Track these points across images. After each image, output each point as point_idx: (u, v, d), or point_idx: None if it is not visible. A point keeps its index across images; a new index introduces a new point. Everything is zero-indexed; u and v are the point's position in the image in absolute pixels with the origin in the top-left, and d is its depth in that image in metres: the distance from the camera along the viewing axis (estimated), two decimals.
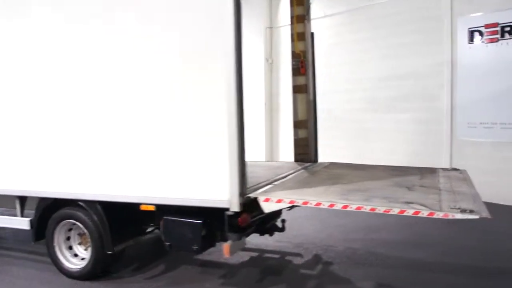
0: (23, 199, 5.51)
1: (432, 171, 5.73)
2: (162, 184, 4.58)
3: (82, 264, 5.18)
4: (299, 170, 5.92)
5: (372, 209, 3.78)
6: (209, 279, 5.20)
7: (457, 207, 3.65)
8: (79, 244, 5.34)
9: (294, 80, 6.76)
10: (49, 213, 5.28)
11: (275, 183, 4.89)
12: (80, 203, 5.02)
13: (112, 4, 4.75)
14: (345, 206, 3.87)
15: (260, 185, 4.66)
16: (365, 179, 5.14)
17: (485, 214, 3.50)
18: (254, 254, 6.08)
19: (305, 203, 4.02)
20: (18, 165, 5.36)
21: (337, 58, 11.43)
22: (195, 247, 4.49)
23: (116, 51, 4.72)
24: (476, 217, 3.44)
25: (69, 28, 4.93)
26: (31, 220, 5.37)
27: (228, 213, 4.27)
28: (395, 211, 3.71)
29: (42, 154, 5.16)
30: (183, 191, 4.48)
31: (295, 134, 6.84)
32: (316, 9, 11.16)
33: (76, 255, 5.34)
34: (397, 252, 6.06)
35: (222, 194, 4.26)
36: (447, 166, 7.44)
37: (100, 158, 4.86)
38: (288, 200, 4.09)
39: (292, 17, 6.63)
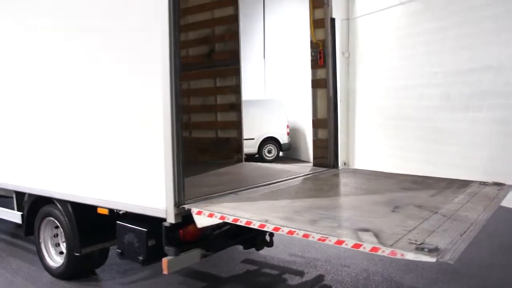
0: (21, 194, 5.59)
1: (462, 184, 4.59)
2: (111, 187, 4.28)
3: (61, 262, 5.08)
4: (300, 176, 5.16)
5: (305, 235, 2.99)
6: None
7: (419, 242, 2.70)
8: (63, 242, 5.26)
9: (313, 74, 5.95)
10: (35, 209, 5.27)
11: (239, 192, 4.24)
12: (55, 201, 4.91)
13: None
14: (276, 229, 3.14)
15: (214, 195, 4.06)
16: (356, 193, 4.26)
17: (449, 257, 2.53)
18: (252, 267, 5.47)
19: (235, 220, 3.36)
20: (3, 161, 5.49)
21: (409, 50, 10.11)
22: (140, 258, 4.05)
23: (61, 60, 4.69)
24: (433, 260, 2.49)
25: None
26: (22, 215, 5.42)
27: (165, 224, 3.77)
28: (331, 240, 2.88)
29: (21, 152, 5.24)
30: (128, 197, 4.12)
31: (314, 134, 6.03)
32: None
33: (62, 253, 5.26)
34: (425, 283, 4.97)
35: (159, 203, 3.78)
36: None
37: (64, 159, 4.73)
38: (219, 216, 3.46)
39: (309, 2, 5.81)
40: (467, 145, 8.72)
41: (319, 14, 5.77)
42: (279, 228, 3.10)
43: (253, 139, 15.22)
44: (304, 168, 5.81)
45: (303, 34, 14.02)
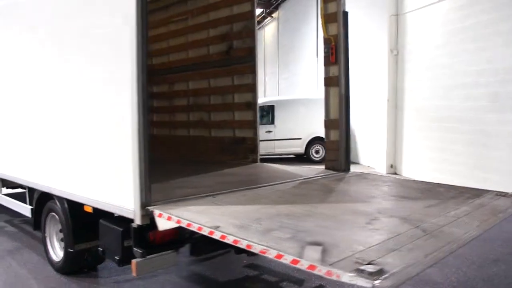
0: (32, 188, 5.75)
1: (474, 194, 4.12)
2: (92, 186, 4.27)
3: (60, 257, 5.17)
4: (299, 179, 4.86)
5: (248, 246, 2.75)
6: None
7: (366, 262, 2.35)
8: None
9: (325, 71, 5.61)
10: (42, 204, 5.40)
11: (218, 196, 4.04)
12: (54, 197, 4.99)
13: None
14: (223, 237, 2.91)
15: (189, 197, 3.89)
16: (343, 200, 3.92)
17: (391, 282, 2.18)
18: (253, 273, 5.24)
19: (189, 225, 3.18)
20: (16, 156, 5.71)
21: (455, 46, 9.33)
22: (116, 257, 3.99)
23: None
24: (368, 285, 2.15)
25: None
26: (32, 209, 5.59)
27: (133, 225, 3.67)
28: (271, 253, 2.61)
29: (27, 149, 5.40)
30: (105, 196, 4.08)
31: (327, 136, 5.68)
32: None
33: None
34: None
35: (129, 204, 3.69)
36: None
37: (57, 158, 4.81)
38: (176, 219, 3.29)
39: None
40: None
41: (331, 8, 5.43)
42: (225, 237, 2.88)
43: (300, 139, 14.90)
44: (315, 171, 5.46)
45: (356, 32, 13.59)
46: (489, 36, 8.41)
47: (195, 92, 7.59)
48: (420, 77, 11.03)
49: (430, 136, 10.55)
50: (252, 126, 6.63)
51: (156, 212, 3.47)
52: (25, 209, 5.72)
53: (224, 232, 2.92)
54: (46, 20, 4.88)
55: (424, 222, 3.18)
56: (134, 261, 3.68)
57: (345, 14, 5.31)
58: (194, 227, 3.12)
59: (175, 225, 3.33)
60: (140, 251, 3.68)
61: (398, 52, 11.86)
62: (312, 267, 2.38)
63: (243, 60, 6.64)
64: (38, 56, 4.98)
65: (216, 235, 2.95)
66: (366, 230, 3.01)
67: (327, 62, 5.53)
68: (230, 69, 6.86)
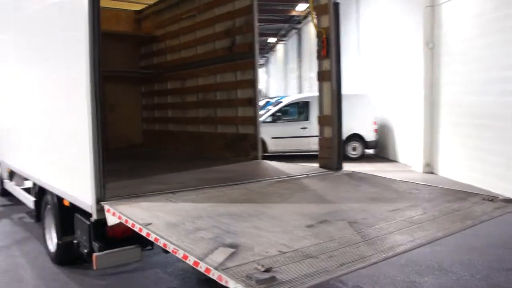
0: None
1: (459, 198, 3.86)
2: (66, 182, 4.40)
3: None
4: (280, 178, 4.72)
5: (164, 245, 2.71)
6: None
7: (263, 269, 2.21)
8: None
9: (318, 65, 5.39)
10: (41, 196, 5.61)
11: (178, 193, 3.99)
12: (47, 191, 5.17)
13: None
14: (148, 234, 2.89)
15: (148, 194, 3.88)
16: (303, 201, 3.75)
17: None
18: None
19: (126, 221, 3.19)
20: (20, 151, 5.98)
21: (493, 37, 8.64)
22: (85, 251, 4.07)
23: None
24: None
25: None
26: (34, 201, 5.82)
27: (91, 219, 3.72)
28: (180, 254, 2.54)
29: (25, 145, 5.72)
30: (74, 191, 4.19)
31: (320, 132, 5.47)
32: None
33: None
34: None
35: (88, 199, 3.74)
36: None
37: (41, 152, 5.07)
38: (118, 215, 3.29)
39: None
40: None
41: None
42: (149, 234, 2.84)
43: None
44: (306, 170, 5.27)
45: (391, 26, 13.02)
46: None
47: (203, 88, 7.61)
48: (456, 70, 10.37)
49: (467, 133, 9.90)
50: (253, 122, 6.52)
51: (106, 207, 3.49)
52: (29, 201, 5.98)
53: (150, 230, 2.87)
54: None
55: (372, 227, 2.98)
56: (94, 254, 3.74)
57: (336, 5, 5.08)
58: (129, 223, 3.10)
59: (117, 220, 3.33)
60: (98, 245, 3.73)
61: (434, 45, 11.22)
62: (207, 270, 2.30)
63: (244, 56, 6.54)
64: (18, 59, 5.25)
65: (143, 232, 2.92)
66: (300, 233, 2.85)
67: (319, 56, 5.31)
68: (233, 65, 6.79)
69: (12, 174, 6.98)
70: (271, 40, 33.51)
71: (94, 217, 3.66)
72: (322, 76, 5.33)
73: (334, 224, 3.04)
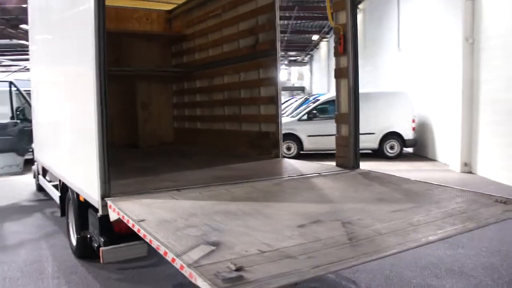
0: None
1: (469, 199, 3.63)
2: (80, 178, 4.56)
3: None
4: (291, 177, 4.67)
5: (150, 241, 2.76)
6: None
7: (234, 268, 2.20)
8: None
9: (336, 62, 5.28)
10: (65, 192, 5.84)
11: (183, 190, 4.03)
12: (68, 186, 5.37)
13: None
14: (138, 230, 2.94)
15: (154, 191, 3.95)
16: (305, 200, 3.69)
17: None
18: None
19: (123, 217, 3.26)
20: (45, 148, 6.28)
21: None
22: (95, 245, 4.20)
23: None
24: None
25: None
26: (59, 196, 6.06)
27: (98, 214, 3.83)
28: (161, 250, 2.58)
29: (48, 142, 5.94)
30: (86, 187, 4.32)
31: (337, 130, 5.38)
32: None
33: None
34: None
35: (95, 194, 3.86)
36: None
37: (62, 150, 5.29)
38: (117, 211, 3.36)
39: None
40: None
41: None
42: (140, 230, 2.89)
43: (373, 133, 14.18)
44: (322, 168, 5.19)
45: (438, 22, 12.54)
46: None
47: (228, 87, 7.64)
48: (498, 66, 9.87)
49: (508, 132, 9.41)
50: (275, 120, 6.48)
51: (108, 203, 3.58)
52: (56, 197, 6.24)
53: (141, 226, 2.92)
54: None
55: (366, 228, 2.89)
56: (101, 249, 3.86)
57: (353, 1, 4.94)
58: (125, 219, 3.17)
59: (116, 216, 3.41)
60: (103, 239, 3.84)
61: (474, 40, 10.73)
62: (182, 267, 2.31)
63: (266, 54, 6.51)
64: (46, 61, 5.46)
65: (135, 228, 2.97)
66: (287, 233, 2.80)
67: (336, 53, 5.20)
68: (256, 63, 6.78)
69: (44, 171, 7.31)
70: (315, 37, 33.16)
71: (100, 212, 3.77)
72: (340, 73, 5.22)
73: (326, 225, 2.98)
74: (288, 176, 4.72)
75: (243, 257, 2.37)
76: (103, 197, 3.71)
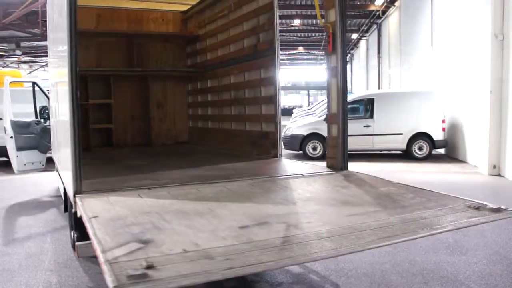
0: None
1: (440, 204, 3.49)
2: (64, 173, 4.68)
3: None
4: (268, 177, 4.66)
5: (90, 237, 2.82)
6: None
7: (146, 266, 2.23)
8: None
9: (327, 61, 5.20)
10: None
11: (155, 188, 4.10)
12: None
13: None
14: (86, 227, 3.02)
15: (126, 188, 4.04)
16: (267, 202, 3.68)
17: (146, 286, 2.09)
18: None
19: (81, 215, 3.34)
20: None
21: None
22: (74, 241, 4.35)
23: None
24: (110, 285, 2.08)
25: None
26: (63, 193, 6.29)
27: (72, 210, 3.97)
28: (94, 246, 2.65)
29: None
30: (66, 184, 4.47)
31: (328, 131, 5.29)
32: None
33: None
34: None
35: (70, 191, 4.00)
36: None
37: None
38: (81, 208, 3.47)
39: None
40: None
41: None
42: (87, 226, 2.98)
43: (401, 134, 13.79)
44: (310, 169, 5.13)
45: (469, 18, 12.05)
46: None
47: (234, 86, 7.68)
48: None
49: None
50: (273, 120, 6.45)
51: (77, 200, 3.70)
52: (62, 193, 6.50)
53: (90, 223, 3.01)
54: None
55: (308, 232, 2.84)
56: (76, 244, 3.99)
57: None
58: (82, 217, 3.27)
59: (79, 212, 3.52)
60: (76, 234, 3.97)
61: (503, 37, 10.21)
62: (101, 263, 2.36)
63: (265, 53, 6.49)
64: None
65: (86, 224, 3.06)
66: (223, 234, 2.79)
67: (326, 52, 5.11)
68: (257, 63, 6.77)
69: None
70: (354, 36, 32.63)
71: (74, 208, 3.89)
72: (331, 72, 5.13)
73: (270, 227, 2.95)
74: (269, 177, 4.70)
75: (163, 256, 2.40)
76: (75, 194, 3.83)
